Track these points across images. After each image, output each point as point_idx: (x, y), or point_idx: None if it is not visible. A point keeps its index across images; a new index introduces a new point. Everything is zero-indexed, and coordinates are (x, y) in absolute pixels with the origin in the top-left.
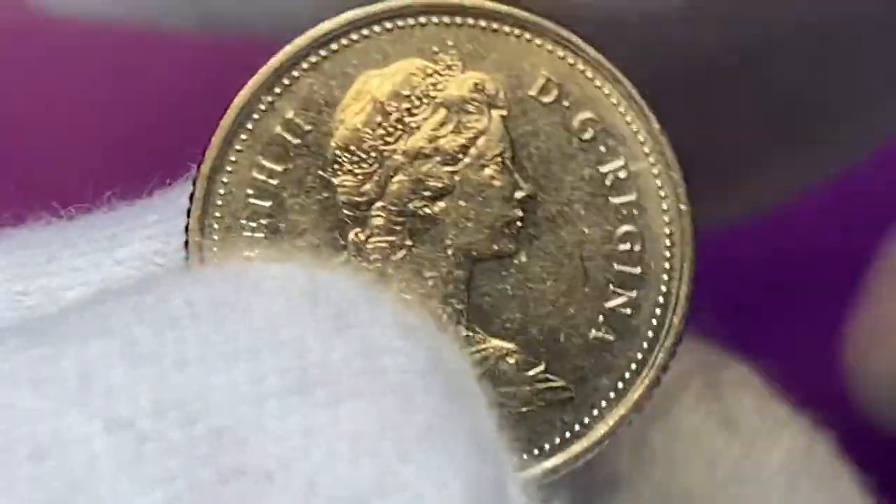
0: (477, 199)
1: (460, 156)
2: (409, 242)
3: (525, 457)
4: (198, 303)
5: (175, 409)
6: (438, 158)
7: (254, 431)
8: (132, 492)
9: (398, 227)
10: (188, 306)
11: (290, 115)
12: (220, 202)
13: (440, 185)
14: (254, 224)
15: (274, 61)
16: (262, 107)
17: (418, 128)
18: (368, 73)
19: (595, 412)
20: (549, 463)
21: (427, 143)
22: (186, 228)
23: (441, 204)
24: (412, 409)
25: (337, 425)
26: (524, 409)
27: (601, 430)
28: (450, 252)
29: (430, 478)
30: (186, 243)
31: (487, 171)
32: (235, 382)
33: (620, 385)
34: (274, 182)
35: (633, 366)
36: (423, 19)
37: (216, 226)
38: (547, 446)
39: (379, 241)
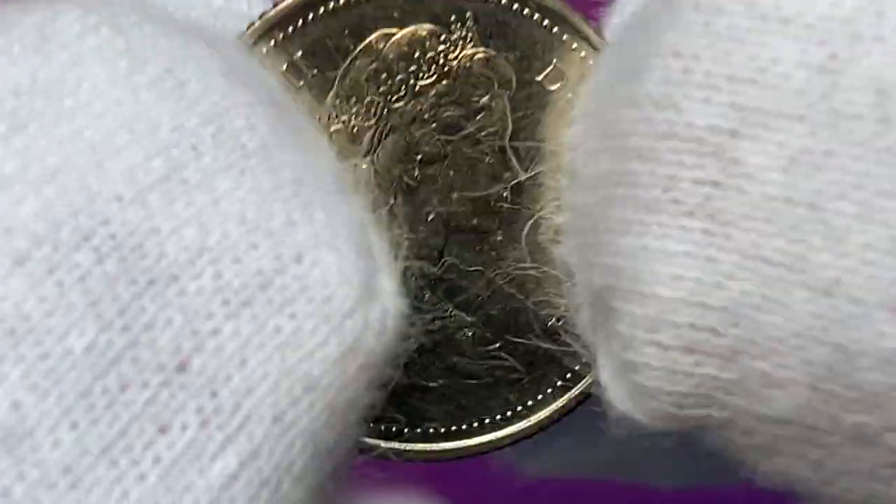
0: (466, 172)
1: (458, 127)
2: (391, 201)
3: (464, 427)
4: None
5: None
6: (435, 125)
7: (147, 234)
8: (64, 327)
9: (384, 185)
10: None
11: (297, 55)
12: None
13: (432, 151)
14: None
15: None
16: (273, 42)
17: (422, 92)
18: (383, 31)
19: (539, 397)
20: (486, 437)
21: (427, 109)
22: None
23: (429, 170)
24: (277, 168)
25: (219, 205)
26: (473, 382)
27: (542, 415)
28: (430, 218)
29: (321, 242)
30: None
31: (481, 147)
32: (114, 182)
33: (568, 376)
34: None
35: (584, 360)
36: None
37: None
38: (487, 420)
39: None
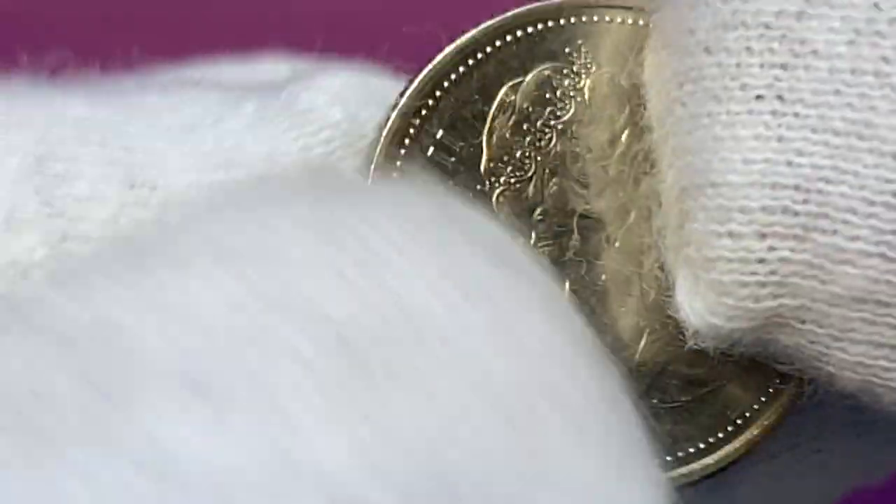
0: (633, 190)
1: (609, 149)
2: (576, 241)
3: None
4: None
5: None
6: (590, 155)
7: None
8: None
9: (563, 229)
10: None
11: (440, 134)
12: None
13: (597, 180)
14: None
15: (417, 84)
16: (413, 131)
17: (566, 128)
18: (510, 84)
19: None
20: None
21: (577, 142)
22: None
23: (602, 200)
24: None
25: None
26: (712, 387)
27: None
28: (617, 244)
29: None
30: None
31: (638, 163)
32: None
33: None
34: None
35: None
36: (551, 23)
37: None
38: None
39: (546, 246)
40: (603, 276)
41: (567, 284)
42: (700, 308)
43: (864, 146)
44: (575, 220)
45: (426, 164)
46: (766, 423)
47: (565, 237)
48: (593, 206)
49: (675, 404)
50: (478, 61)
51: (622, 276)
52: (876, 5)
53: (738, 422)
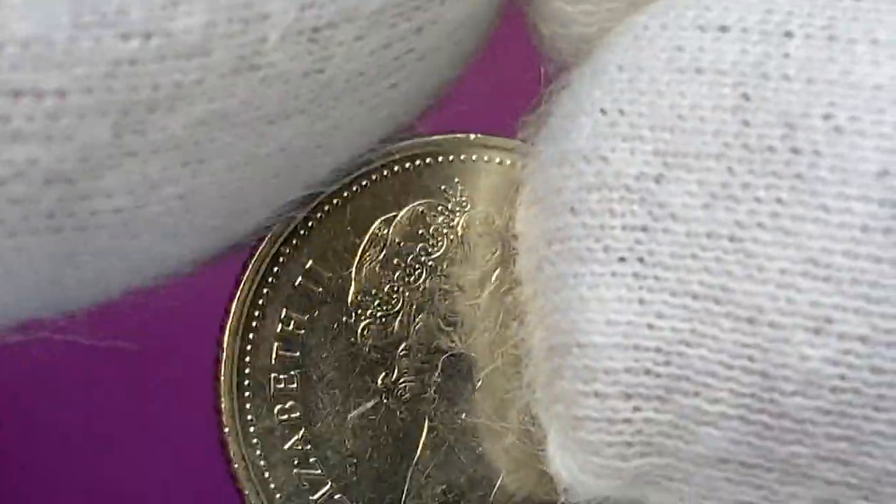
0: (501, 328)
1: (479, 289)
2: (438, 379)
3: None
4: None
5: None
6: (459, 293)
7: None
8: None
9: (426, 365)
10: None
11: (309, 264)
12: (248, 358)
13: (465, 318)
14: (285, 376)
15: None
16: (282, 259)
17: (437, 265)
18: (383, 218)
19: None
20: None
21: (446, 280)
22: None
23: (468, 339)
24: None
25: None
26: None
27: None
28: (480, 385)
29: None
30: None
31: (508, 302)
32: None
33: None
34: (301, 332)
35: None
36: (430, 160)
37: (248, 382)
38: None
39: (408, 381)
40: (463, 416)
41: (426, 422)
42: (570, 465)
43: (721, 310)
44: (439, 357)
45: (293, 293)
46: None
47: (428, 374)
48: (459, 344)
49: None
50: (353, 193)
51: (483, 418)
52: (730, 169)
53: None
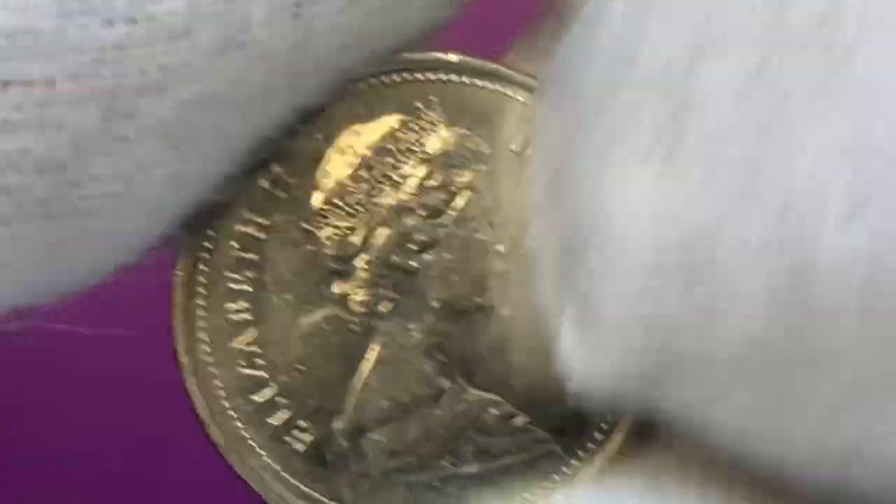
0: (461, 252)
1: (445, 210)
2: (393, 295)
3: None
4: None
5: None
6: (423, 213)
7: None
8: None
9: (383, 280)
10: None
11: (276, 168)
12: (205, 255)
13: (425, 238)
14: (239, 276)
15: None
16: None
17: (403, 182)
18: (354, 128)
19: (574, 462)
20: None
21: (412, 198)
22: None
23: (426, 257)
24: None
25: None
26: (507, 460)
27: (583, 478)
28: (434, 304)
29: None
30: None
31: (472, 225)
32: None
33: (600, 436)
34: (260, 235)
35: (610, 417)
36: (406, 75)
37: (201, 279)
38: (528, 495)
39: (364, 294)
40: (415, 335)
41: (378, 337)
42: (585, 360)
43: (750, 201)
44: (397, 274)
45: (262, 195)
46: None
47: (384, 289)
48: (418, 263)
49: (468, 471)
50: (325, 103)
51: (434, 336)
52: (766, 52)
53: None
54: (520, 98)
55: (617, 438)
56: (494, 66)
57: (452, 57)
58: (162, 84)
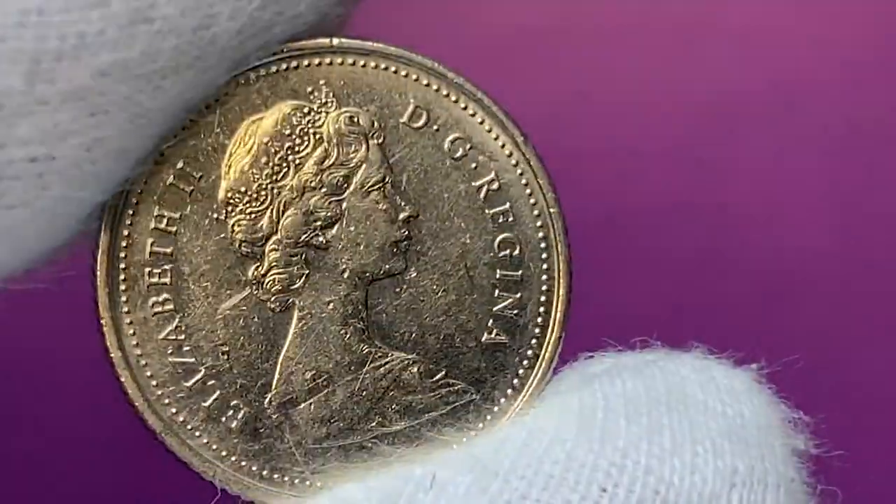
0: (364, 223)
1: (345, 186)
2: (306, 271)
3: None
4: None
5: None
6: (324, 190)
7: None
8: None
9: (294, 258)
10: None
11: (180, 164)
12: (122, 254)
13: (329, 214)
14: (157, 270)
15: None
16: (154, 159)
17: (302, 164)
18: (251, 118)
19: (496, 409)
20: None
21: (312, 177)
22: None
23: (332, 232)
24: None
25: None
26: (431, 415)
27: (504, 422)
28: (345, 276)
29: None
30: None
31: (371, 197)
32: None
33: (516, 381)
34: (172, 229)
35: (526, 362)
36: (295, 63)
37: (122, 276)
38: (455, 444)
39: (277, 273)
40: (330, 306)
41: (295, 312)
42: None
43: None
44: (307, 250)
45: (169, 190)
46: None
47: (296, 266)
48: (325, 238)
49: (395, 429)
50: (222, 97)
51: (349, 306)
52: None
53: None
54: (403, 73)
55: (531, 386)
56: (373, 44)
57: (335, 41)
58: (79, 50)
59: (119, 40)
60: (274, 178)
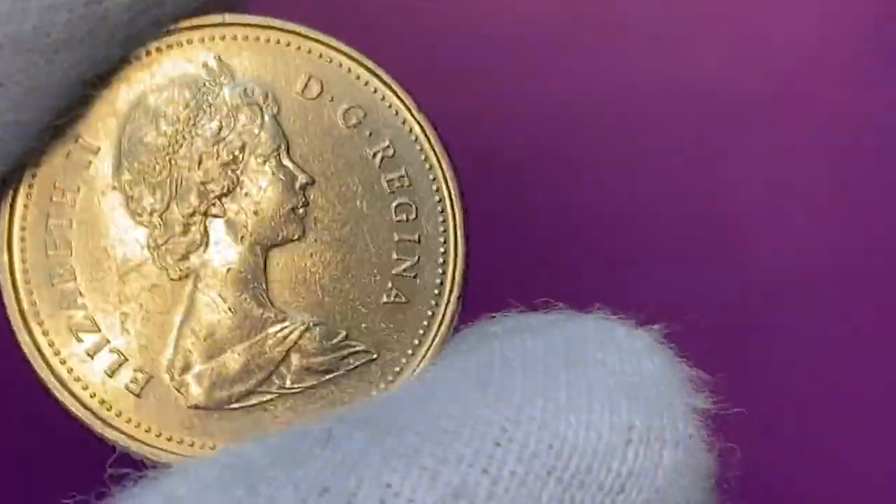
0: (261, 192)
1: (240, 156)
2: (205, 239)
3: None
4: None
5: None
6: (221, 160)
7: None
8: None
9: (193, 227)
10: None
11: (77, 138)
12: (21, 226)
13: (226, 184)
14: (58, 240)
15: None
16: (53, 131)
17: (199, 136)
18: (146, 92)
19: (397, 369)
20: None
21: (209, 148)
22: None
23: (229, 201)
24: None
25: None
26: (333, 376)
27: (405, 379)
28: (244, 243)
29: None
30: None
31: (268, 167)
32: None
33: (416, 341)
34: (72, 202)
35: (425, 322)
36: (187, 37)
37: (22, 237)
38: (356, 404)
39: (176, 242)
40: (229, 272)
41: (194, 278)
42: None
43: None
44: (204, 219)
45: (67, 165)
46: None
47: (195, 235)
48: (223, 207)
49: (296, 390)
50: (118, 70)
51: (248, 273)
52: None
53: None
54: (295, 46)
55: (432, 345)
56: (265, 19)
57: (227, 17)
58: None
59: (11, 14)
60: (171, 149)
